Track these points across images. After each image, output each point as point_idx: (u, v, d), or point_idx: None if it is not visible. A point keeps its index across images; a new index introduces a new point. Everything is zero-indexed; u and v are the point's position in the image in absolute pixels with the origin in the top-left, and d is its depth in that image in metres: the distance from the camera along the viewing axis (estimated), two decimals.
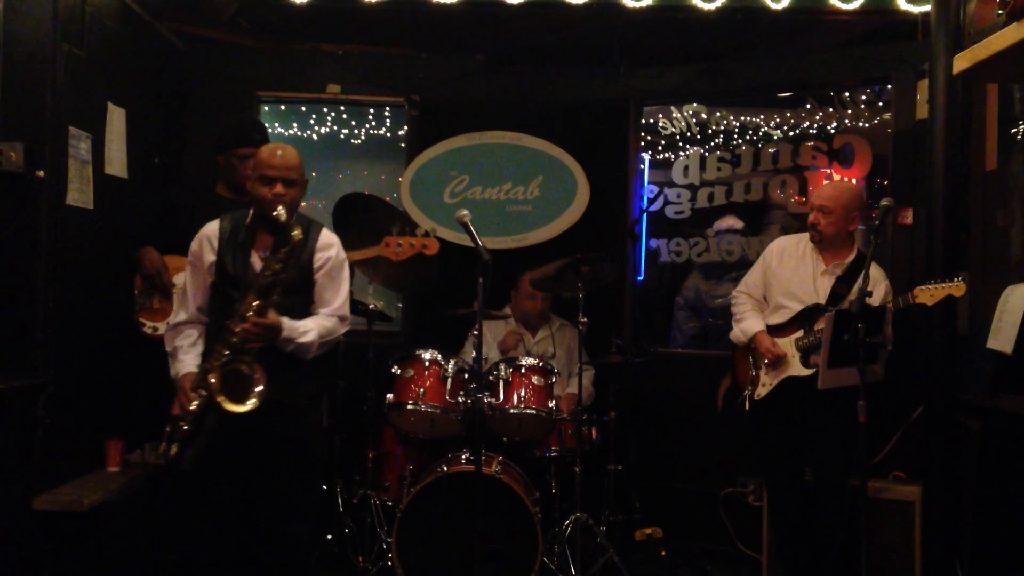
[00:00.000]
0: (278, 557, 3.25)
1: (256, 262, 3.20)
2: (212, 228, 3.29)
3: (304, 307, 3.27)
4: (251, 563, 3.29)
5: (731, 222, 5.40)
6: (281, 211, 3.10)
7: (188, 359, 3.19)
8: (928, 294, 3.52)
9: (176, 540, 3.30)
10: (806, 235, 4.03)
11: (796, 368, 3.83)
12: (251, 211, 3.29)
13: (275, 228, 3.15)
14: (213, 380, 3.00)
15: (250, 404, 2.98)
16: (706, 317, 5.56)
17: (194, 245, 3.30)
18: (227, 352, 3.02)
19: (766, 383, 3.92)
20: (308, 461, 3.30)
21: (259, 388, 3.00)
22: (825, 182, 4.81)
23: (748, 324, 4.03)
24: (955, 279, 3.49)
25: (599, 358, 4.51)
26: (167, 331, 3.31)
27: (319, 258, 3.28)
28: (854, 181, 5.00)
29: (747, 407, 3.99)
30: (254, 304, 3.03)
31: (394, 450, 4.36)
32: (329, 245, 3.33)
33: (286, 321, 3.11)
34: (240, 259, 3.21)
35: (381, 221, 4.32)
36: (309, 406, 3.35)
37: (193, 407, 3.04)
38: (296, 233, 3.06)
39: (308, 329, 3.17)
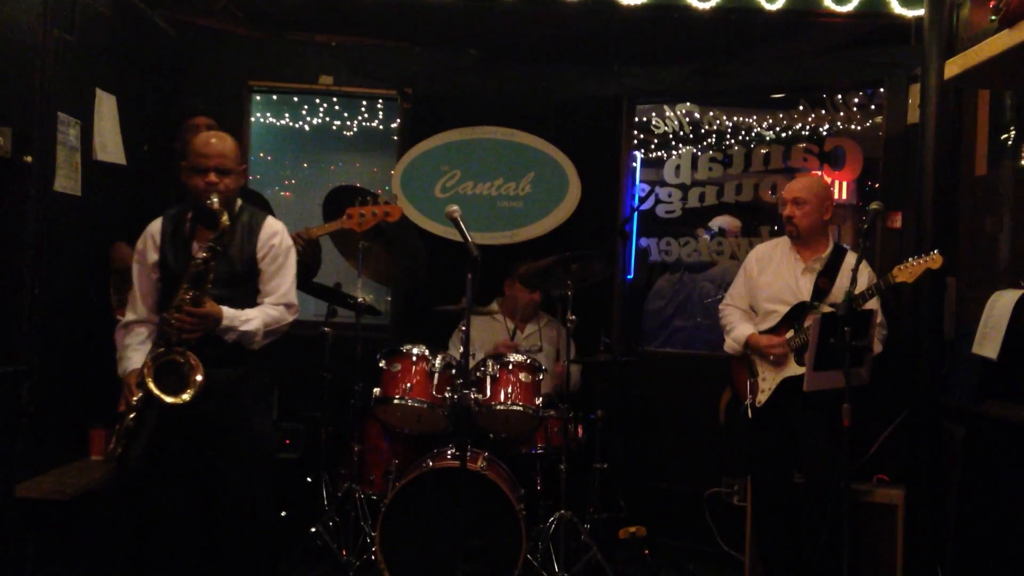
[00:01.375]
0: (236, 547, 3.27)
1: (197, 254, 3.16)
2: (155, 226, 3.28)
3: (250, 298, 3.25)
4: (212, 553, 3.31)
5: (727, 221, 5.39)
6: (214, 200, 3.05)
7: (135, 356, 3.19)
8: (907, 272, 3.54)
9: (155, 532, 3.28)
10: (782, 239, 4.06)
11: (793, 367, 3.84)
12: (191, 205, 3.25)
13: (211, 218, 3.09)
14: (147, 372, 3.00)
15: (187, 395, 2.98)
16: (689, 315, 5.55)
17: (139, 244, 3.29)
18: (162, 343, 3.03)
19: (765, 389, 3.93)
20: (257, 451, 3.29)
21: (197, 377, 2.98)
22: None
23: (739, 331, 4.03)
24: (931, 254, 3.51)
25: (587, 356, 4.51)
26: (117, 330, 3.30)
27: (262, 246, 3.26)
28: (844, 184, 5.03)
29: (750, 415, 3.97)
30: (188, 294, 3.01)
31: (380, 444, 4.35)
32: (273, 233, 3.31)
33: (226, 310, 3.10)
34: (181, 254, 3.18)
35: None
36: (258, 397, 3.34)
37: (134, 401, 3.04)
38: (224, 219, 3.02)
39: (251, 318, 3.16)
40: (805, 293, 3.89)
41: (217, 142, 3.17)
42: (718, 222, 5.43)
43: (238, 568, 3.30)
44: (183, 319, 3.00)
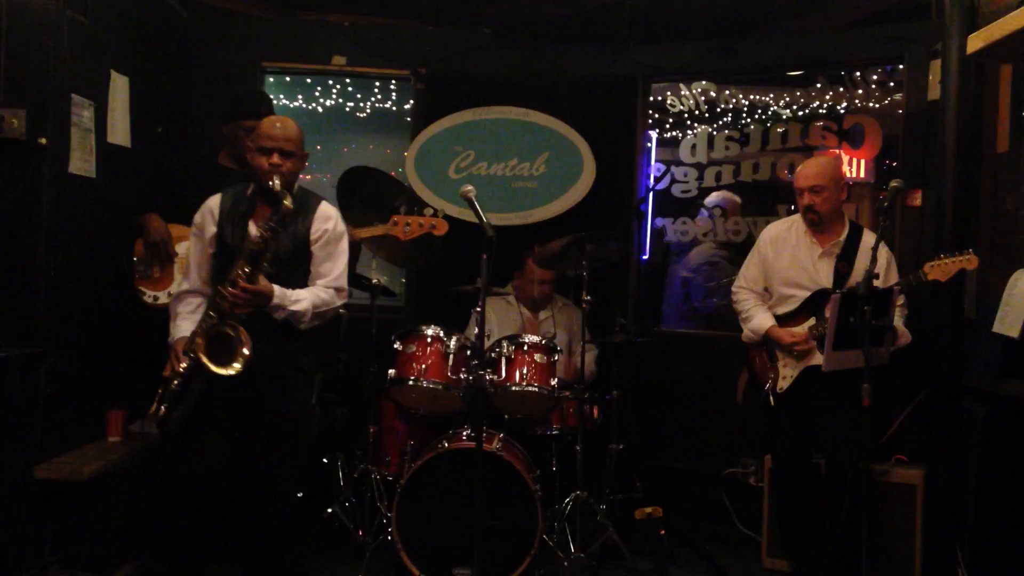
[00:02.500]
0: (262, 524, 3.34)
1: (253, 232, 3.25)
2: (215, 200, 3.38)
3: (301, 279, 3.33)
4: (238, 529, 3.39)
5: (724, 197, 5.33)
6: (276, 181, 3.15)
7: (185, 324, 3.29)
8: (940, 270, 3.48)
9: (174, 511, 3.31)
10: (796, 218, 3.99)
11: (816, 357, 3.79)
12: (252, 183, 3.35)
13: (272, 198, 3.19)
14: (199, 342, 3.11)
15: (235, 367, 3.08)
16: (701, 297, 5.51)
17: (197, 217, 3.39)
18: (214, 315, 3.13)
19: (787, 375, 3.90)
20: (294, 434, 3.37)
21: (244, 351, 3.07)
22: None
23: (757, 322, 3.99)
24: (966, 252, 3.46)
25: (603, 337, 4.49)
26: (172, 299, 3.43)
27: (316, 230, 3.35)
28: (863, 163, 4.97)
29: (772, 403, 3.94)
30: (244, 270, 3.10)
31: (395, 425, 4.35)
32: (327, 217, 3.38)
33: (278, 289, 3.18)
34: (238, 230, 3.28)
35: (386, 196, 4.30)
36: (301, 380, 3.42)
37: (182, 368, 3.14)
38: (287, 202, 3.12)
39: (301, 298, 3.25)
40: (823, 278, 3.84)
41: (283, 125, 3.29)
42: (714, 199, 5.35)
43: (263, 546, 3.36)
44: (237, 294, 3.09)
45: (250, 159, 3.32)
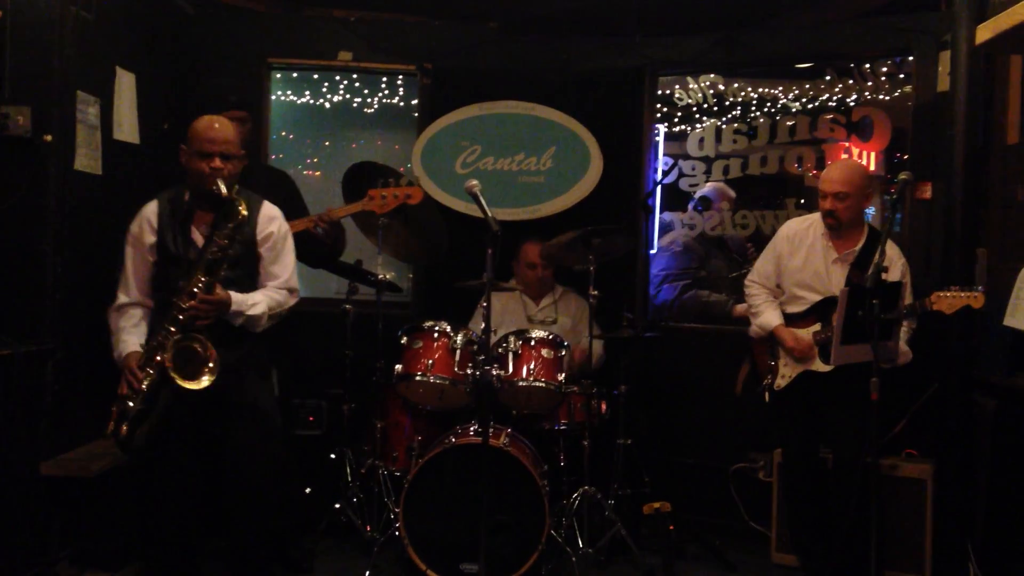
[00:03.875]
0: (244, 521, 3.31)
1: (198, 239, 3.19)
2: (151, 208, 3.28)
3: (249, 280, 3.29)
4: (221, 528, 3.39)
5: (715, 189, 5.27)
6: (220, 185, 3.07)
7: (132, 339, 3.19)
8: (946, 303, 3.50)
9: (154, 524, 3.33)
10: (815, 217, 3.96)
11: (816, 364, 3.79)
12: (187, 188, 3.26)
13: (215, 203, 3.12)
14: (167, 357, 3.01)
15: (205, 381, 3.01)
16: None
17: (134, 227, 3.28)
18: (174, 329, 3.03)
19: (785, 375, 3.90)
20: (262, 428, 3.32)
21: (211, 364, 3.01)
22: (829, 163, 4.70)
23: (765, 318, 3.98)
24: (974, 290, 3.47)
25: (610, 332, 4.47)
26: (110, 312, 3.29)
27: (262, 231, 3.30)
28: (872, 155, 4.94)
29: (767, 399, 3.96)
30: (201, 280, 3.03)
31: (402, 421, 4.35)
32: (272, 218, 3.34)
33: (235, 295, 3.13)
34: (181, 237, 3.20)
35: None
36: (259, 375, 3.38)
37: (144, 386, 3.04)
38: (242, 208, 3.06)
39: (257, 302, 3.21)
40: (835, 285, 3.81)
41: (220, 127, 3.19)
42: (706, 190, 5.28)
43: (247, 542, 3.34)
44: (198, 307, 3.02)
45: (186, 162, 3.21)
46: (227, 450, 3.27)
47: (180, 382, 3.00)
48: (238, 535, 3.35)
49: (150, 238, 3.23)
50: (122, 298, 3.26)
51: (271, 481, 3.33)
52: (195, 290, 3.03)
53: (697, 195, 5.30)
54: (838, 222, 3.81)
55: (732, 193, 5.29)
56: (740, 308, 4.05)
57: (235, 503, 3.31)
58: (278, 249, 3.34)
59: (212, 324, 3.08)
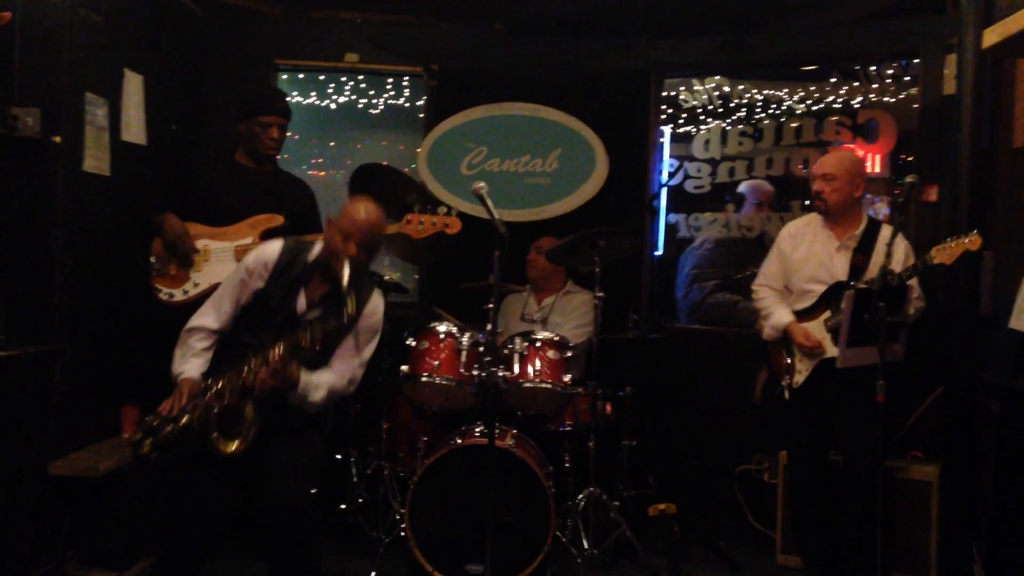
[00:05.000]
0: (282, 525, 3.15)
1: (301, 304, 3.13)
2: (272, 253, 3.19)
3: (325, 360, 3.18)
4: (258, 535, 3.27)
5: (752, 187, 5.28)
6: (344, 274, 3.00)
7: (196, 363, 3.10)
8: (945, 253, 3.44)
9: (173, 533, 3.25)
10: (813, 216, 3.98)
11: (830, 349, 3.78)
12: (316, 247, 3.20)
13: (333, 281, 3.09)
14: (215, 411, 2.93)
15: (233, 447, 2.94)
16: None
17: (250, 261, 3.19)
18: (233, 389, 2.95)
19: (802, 369, 3.88)
20: (306, 445, 3.23)
21: (250, 434, 2.95)
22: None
23: (777, 317, 3.97)
24: (969, 234, 3.42)
25: (615, 333, 4.48)
26: (186, 329, 3.17)
27: (359, 324, 3.21)
28: (878, 158, 4.93)
29: (787, 397, 3.93)
30: (278, 354, 2.92)
31: (408, 422, 4.36)
32: (375, 311, 3.26)
33: (304, 376, 3.03)
34: (288, 300, 3.14)
35: (398, 192, 4.29)
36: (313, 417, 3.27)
37: (184, 421, 2.94)
38: (349, 309, 2.96)
39: (320, 386, 3.10)
40: (840, 272, 3.82)
41: (367, 217, 3.11)
42: (742, 187, 5.26)
43: (287, 568, 3.18)
44: (265, 379, 2.92)
45: (326, 229, 3.16)
46: (270, 474, 3.11)
47: (215, 440, 2.93)
48: (278, 560, 3.19)
49: (258, 284, 3.15)
50: (206, 320, 3.16)
51: (313, 506, 3.24)
52: (270, 358, 2.92)
53: (738, 190, 5.28)
54: (825, 204, 3.82)
55: (769, 188, 5.25)
56: (768, 333, 4.03)
57: (275, 528, 3.13)
58: (363, 340, 3.23)
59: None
